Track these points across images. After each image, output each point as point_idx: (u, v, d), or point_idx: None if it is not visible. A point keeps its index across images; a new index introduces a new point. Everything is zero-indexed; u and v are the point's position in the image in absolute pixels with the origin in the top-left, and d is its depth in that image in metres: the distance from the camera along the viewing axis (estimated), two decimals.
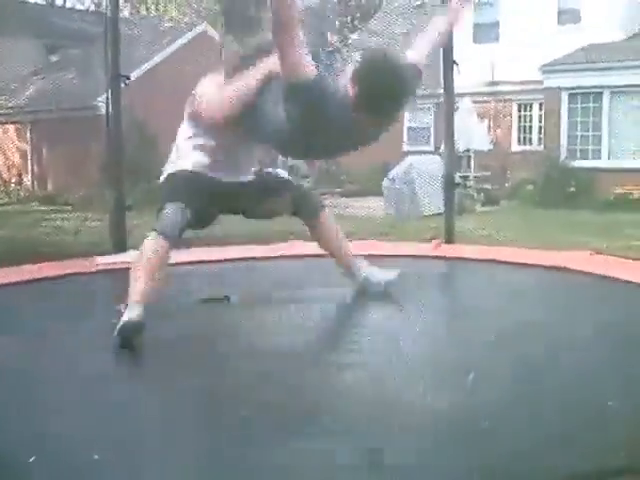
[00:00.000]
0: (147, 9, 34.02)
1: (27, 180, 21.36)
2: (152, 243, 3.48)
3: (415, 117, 22.37)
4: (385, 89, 2.72)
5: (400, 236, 9.01)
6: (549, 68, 17.77)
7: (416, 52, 3.20)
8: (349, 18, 36.51)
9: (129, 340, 3.22)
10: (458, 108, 16.55)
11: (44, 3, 28.55)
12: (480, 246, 6.54)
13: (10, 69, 22.15)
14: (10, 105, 21.58)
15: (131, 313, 3.26)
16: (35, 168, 21.30)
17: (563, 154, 17.29)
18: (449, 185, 6.86)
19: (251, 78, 3.30)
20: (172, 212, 3.51)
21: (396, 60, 2.83)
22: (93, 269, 5.37)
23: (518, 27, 19.25)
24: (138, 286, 3.35)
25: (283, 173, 4.17)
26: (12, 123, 21.72)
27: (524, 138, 20.60)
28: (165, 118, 18.47)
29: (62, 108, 19.46)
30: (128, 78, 6.69)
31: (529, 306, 4.12)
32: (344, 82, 2.86)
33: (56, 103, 19.63)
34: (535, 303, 4.24)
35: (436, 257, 5.58)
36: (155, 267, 3.44)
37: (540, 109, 19.50)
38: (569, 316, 3.87)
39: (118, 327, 3.23)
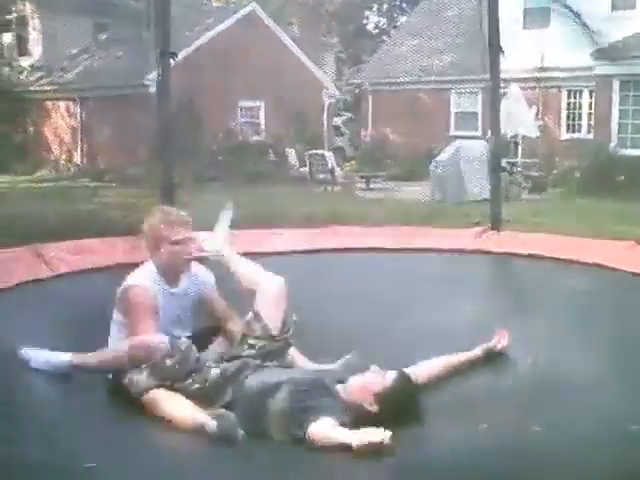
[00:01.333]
0: None
1: (77, 156, 21.65)
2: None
3: (463, 102, 22.21)
4: (399, 415, 2.98)
5: (445, 221, 8.99)
6: (601, 55, 17.47)
7: (423, 371, 3.41)
8: (398, 1, 36.32)
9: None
10: (506, 94, 16.41)
11: None
12: (523, 235, 6.43)
13: (60, 47, 22.46)
14: (60, 82, 21.87)
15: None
16: (84, 145, 21.58)
17: (613, 142, 17.02)
18: (495, 170, 6.83)
19: None
20: None
21: (414, 394, 3.11)
22: None
23: (569, 13, 18.95)
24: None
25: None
26: (62, 100, 22.00)
27: (573, 126, 20.29)
28: (213, 97, 18.73)
29: (111, 86, 19.69)
30: (176, 55, 6.74)
31: None
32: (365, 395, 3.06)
33: (105, 81, 19.88)
34: None
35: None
36: None
37: (590, 96, 19.19)
38: None
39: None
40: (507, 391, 3.30)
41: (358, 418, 2.99)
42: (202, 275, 3.68)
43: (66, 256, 4.95)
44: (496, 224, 6.53)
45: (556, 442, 2.53)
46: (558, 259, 5.10)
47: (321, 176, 17.52)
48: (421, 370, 3.37)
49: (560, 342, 3.65)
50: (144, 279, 3.51)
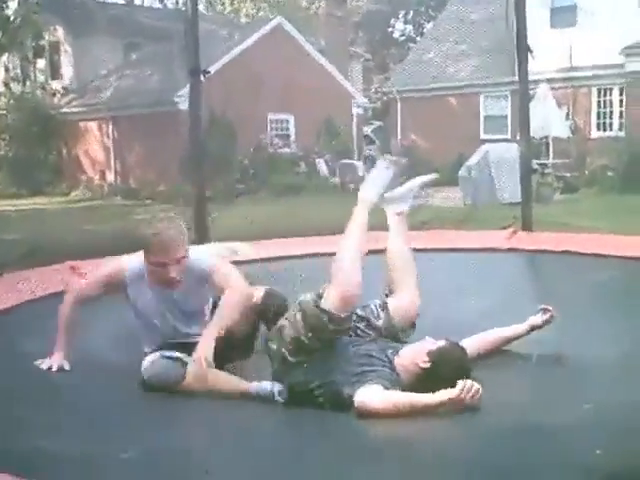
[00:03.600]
0: (222, 4, 34.56)
1: (110, 176, 21.95)
2: None
3: (492, 105, 22.16)
4: (452, 373, 3.03)
5: (477, 225, 8.98)
6: (631, 51, 17.35)
7: (471, 344, 3.45)
8: (424, 7, 36.33)
9: None
10: (535, 94, 16.35)
11: (123, 2, 29.23)
12: (558, 233, 6.45)
13: (91, 68, 22.84)
14: (92, 102, 22.21)
15: None
16: (117, 164, 21.87)
17: None
18: (526, 172, 6.84)
19: None
20: None
21: (463, 355, 3.21)
22: None
23: (597, 10, 18.82)
24: None
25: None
26: (94, 120, 22.34)
27: (604, 124, 20.13)
28: (243, 111, 18.86)
29: (142, 104, 19.95)
30: (208, 72, 6.86)
31: None
32: (418, 354, 3.18)
33: (136, 100, 20.14)
34: None
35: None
36: None
37: (621, 94, 19.05)
38: None
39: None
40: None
41: (410, 383, 3.09)
42: (196, 269, 3.44)
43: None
44: (527, 225, 6.54)
45: None
46: (596, 254, 5.07)
47: (352, 186, 17.57)
48: (470, 343, 3.41)
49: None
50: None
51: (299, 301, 3.23)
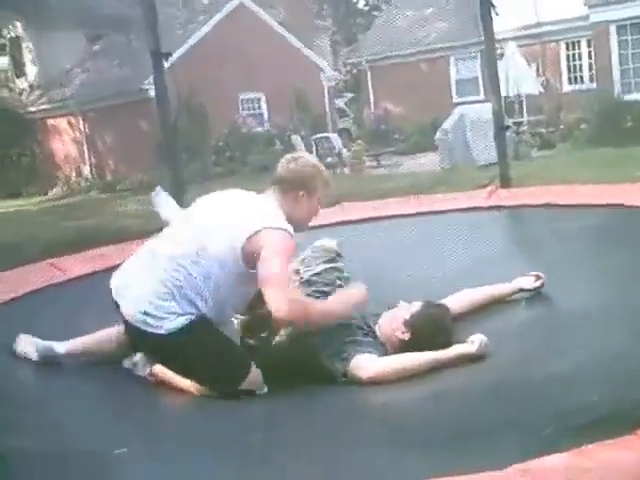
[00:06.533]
0: None
1: (86, 170, 21.78)
2: None
3: (462, 67, 22.11)
4: (433, 337, 3.06)
5: (456, 188, 8.97)
6: (594, 2, 17.33)
7: (454, 302, 3.40)
8: None
9: None
10: (504, 53, 16.32)
11: None
12: (534, 187, 6.43)
13: (55, 63, 22.54)
14: (59, 98, 21.97)
15: None
16: (92, 158, 21.70)
17: (617, 89, 16.90)
18: (499, 128, 6.82)
19: None
20: None
21: (445, 314, 3.22)
22: None
23: None
24: None
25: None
26: (64, 116, 22.12)
27: (575, 77, 20.14)
28: (213, 93, 18.71)
29: (110, 95, 19.77)
30: (170, 54, 6.76)
31: None
32: (395, 325, 3.14)
33: (104, 91, 19.94)
34: None
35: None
36: None
37: (589, 45, 19.05)
38: None
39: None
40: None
41: (394, 351, 3.08)
42: None
43: (79, 264, 5.06)
44: (506, 182, 6.54)
45: None
46: (575, 205, 5.06)
47: (329, 159, 17.52)
48: (452, 301, 3.36)
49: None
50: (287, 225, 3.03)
51: None
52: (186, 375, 3.00)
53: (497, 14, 6.45)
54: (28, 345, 3.34)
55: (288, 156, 3.31)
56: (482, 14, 6.65)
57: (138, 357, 3.19)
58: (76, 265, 5.03)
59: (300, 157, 3.31)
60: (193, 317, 2.95)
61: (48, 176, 21.92)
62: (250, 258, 2.93)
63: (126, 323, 3.05)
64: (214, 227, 3.05)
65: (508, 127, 7.88)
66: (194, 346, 2.95)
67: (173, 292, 2.95)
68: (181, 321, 2.93)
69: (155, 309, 2.94)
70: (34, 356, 3.29)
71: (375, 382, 2.88)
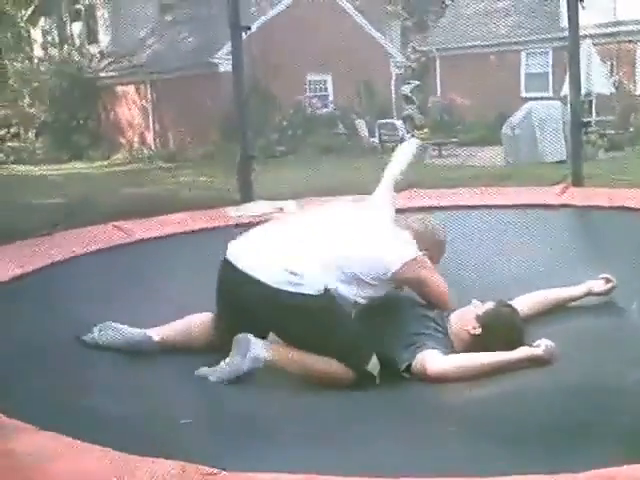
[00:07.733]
0: None
1: (150, 139, 21.99)
2: None
3: (533, 62, 21.76)
4: (504, 334, 3.05)
5: (522, 183, 8.84)
6: None
7: (524, 302, 3.38)
8: None
9: None
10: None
11: None
12: (606, 189, 6.27)
13: (128, 32, 22.76)
14: (129, 66, 22.19)
15: None
16: (156, 127, 21.89)
17: None
18: (576, 126, 6.67)
19: None
20: None
21: (514, 315, 3.18)
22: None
23: None
24: None
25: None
26: (132, 84, 22.33)
27: None
28: (281, 72, 18.74)
29: (180, 66, 19.89)
30: (249, 28, 6.74)
31: None
32: (466, 320, 3.15)
33: (174, 61, 20.08)
34: None
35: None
36: None
37: None
38: None
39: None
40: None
41: (463, 349, 3.06)
42: None
43: (142, 228, 5.10)
44: (578, 181, 6.40)
45: None
46: None
47: (392, 145, 17.41)
48: (522, 302, 3.34)
49: None
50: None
51: None
52: (320, 344, 2.94)
53: (584, 7, 6.27)
54: (111, 331, 3.08)
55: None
56: (569, 7, 6.48)
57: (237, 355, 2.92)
58: (139, 229, 5.05)
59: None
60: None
61: (112, 141, 22.22)
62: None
63: (244, 293, 2.98)
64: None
65: (586, 124, 7.69)
66: (336, 313, 3.00)
67: (323, 262, 3.01)
68: (328, 285, 2.96)
69: (302, 269, 2.94)
70: (120, 344, 3.05)
71: (439, 380, 2.84)
